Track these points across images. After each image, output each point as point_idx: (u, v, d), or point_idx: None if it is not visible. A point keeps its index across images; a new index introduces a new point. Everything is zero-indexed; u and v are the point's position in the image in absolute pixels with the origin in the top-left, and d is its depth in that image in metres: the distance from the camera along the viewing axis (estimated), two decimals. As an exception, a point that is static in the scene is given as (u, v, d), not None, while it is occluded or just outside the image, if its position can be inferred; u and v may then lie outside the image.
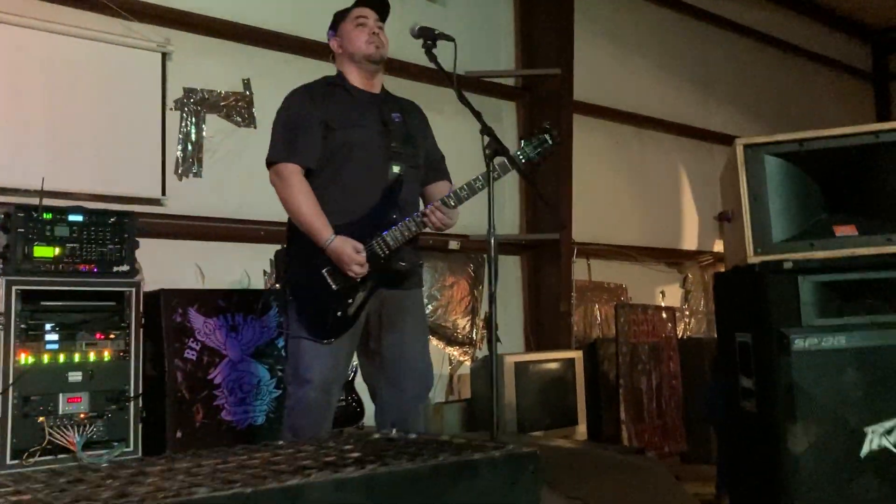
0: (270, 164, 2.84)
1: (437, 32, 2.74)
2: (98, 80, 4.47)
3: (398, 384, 2.85)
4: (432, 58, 2.70)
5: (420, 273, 3.01)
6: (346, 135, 2.82)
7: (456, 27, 6.35)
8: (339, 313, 2.75)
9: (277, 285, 2.98)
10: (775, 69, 9.03)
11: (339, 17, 3.01)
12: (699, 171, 8.02)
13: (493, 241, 2.34)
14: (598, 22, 7.02)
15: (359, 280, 2.75)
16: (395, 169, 2.82)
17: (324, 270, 2.74)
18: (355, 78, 2.94)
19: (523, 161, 2.77)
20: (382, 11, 2.99)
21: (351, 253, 2.70)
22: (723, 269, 3.07)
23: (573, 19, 6.40)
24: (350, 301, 2.76)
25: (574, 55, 6.38)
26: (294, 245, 2.85)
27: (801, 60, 9.36)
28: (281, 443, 1.93)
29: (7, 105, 4.16)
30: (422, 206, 2.88)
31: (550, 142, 2.79)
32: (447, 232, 5.46)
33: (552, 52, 6.34)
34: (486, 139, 2.42)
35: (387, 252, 2.76)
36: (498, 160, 2.54)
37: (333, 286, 2.74)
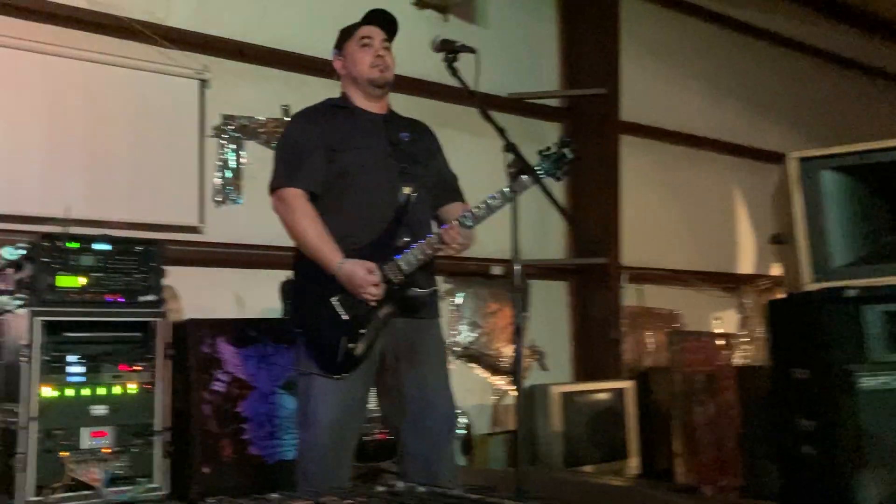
0: (273, 189, 2.73)
1: (458, 45, 2.59)
2: (135, 107, 4.46)
3: (421, 427, 2.65)
4: (453, 72, 2.55)
5: (437, 301, 2.83)
6: (351, 157, 2.67)
7: (498, 48, 6.28)
8: (350, 345, 2.56)
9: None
10: (830, 84, 8.71)
11: (344, 36, 2.88)
12: (754, 191, 7.72)
13: (519, 267, 2.15)
14: (643, 40, 6.83)
15: (372, 307, 2.57)
16: (406, 190, 2.66)
17: (333, 299, 2.57)
18: (360, 99, 2.80)
19: (542, 176, 2.58)
20: (390, 30, 2.85)
21: (364, 274, 2.52)
22: (778, 296, 2.82)
23: (619, 37, 6.23)
24: (363, 332, 2.58)
25: (620, 74, 6.21)
26: (300, 274, 2.72)
27: (857, 74, 9.01)
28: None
29: (44, 134, 4.16)
30: (435, 228, 2.70)
31: (569, 156, 2.58)
32: (490, 257, 5.32)
33: (597, 71, 6.18)
34: (510, 157, 2.24)
35: (401, 278, 2.58)
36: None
37: (344, 316, 2.57)
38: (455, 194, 2.89)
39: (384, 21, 2.84)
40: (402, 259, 2.57)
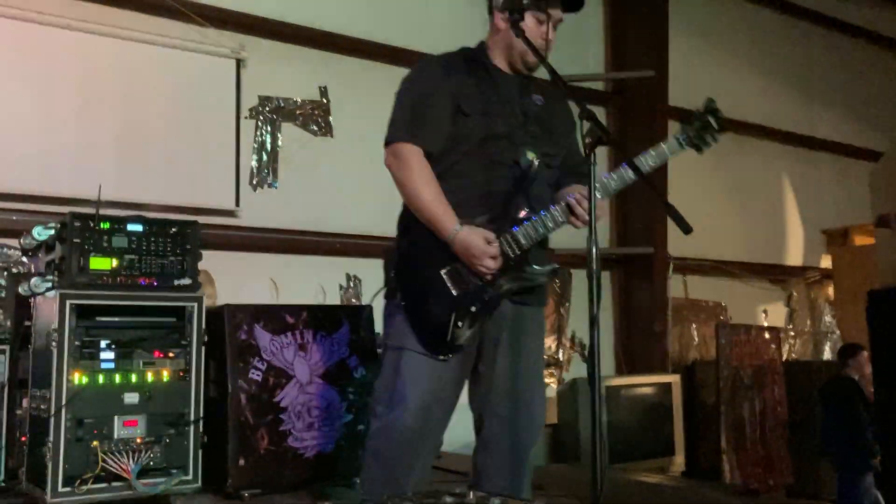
0: (388, 142, 2.44)
1: (525, 2, 2.37)
2: (171, 87, 4.36)
3: (510, 423, 2.43)
4: (519, 32, 2.34)
5: (547, 286, 2.56)
6: (477, 122, 2.39)
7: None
8: (459, 324, 2.30)
9: (384, 289, 2.50)
10: (884, 70, 8.39)
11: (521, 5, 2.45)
12: (804, 181, 7.48)
13: (595, 251, 1.92)
14: (693, 22, 6.60)
15: (485, 283, 2.33)
16: (529, 156, 2.38)
17: (442, 271, 2.33)
18: (501, 62, 2.51)
19: (686, 146, 2.34)
20: (570, 10, 2.50)
21: (482, 244, 2.28)
22: (876, 287, 2.60)
23: (667, 19, 6.02)
24: (473, 310, 2.32)
25: (668, 57, 5.99)
26: (406, 240, 2.44)
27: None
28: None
29: (77, 113, 4.07)
30: (562, 199, 2.39)
31: (716, 125, 2.32)
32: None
33: (644, 54, 5.98)
34: (587, 125, 2.02)
35: (517, 252, 2.33)
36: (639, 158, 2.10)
37: (454, 291, 2.33)
38: (582, 177, 2.52)
39: (569, 3, 2.48)
40: (519, 231, 2.33)
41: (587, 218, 2.21)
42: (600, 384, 1.75)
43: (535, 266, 2.38)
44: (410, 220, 2.42)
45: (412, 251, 2.42)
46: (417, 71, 2.54)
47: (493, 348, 2.44)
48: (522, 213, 2.36)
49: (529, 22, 2.42)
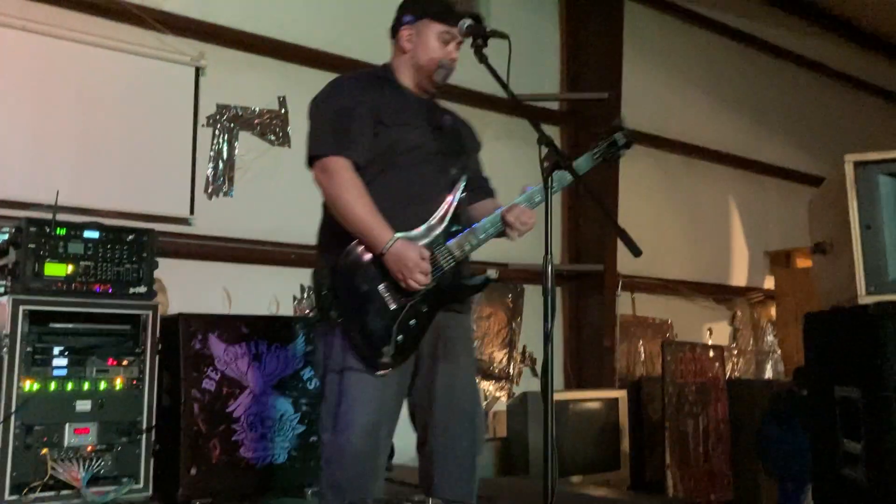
0: (315, 157, 2.42)
1: (489, 30, 2.44)
2: (129, 93, 4.32)
3: (451, 432, 2.45)
4: (482, 58, 2.39)
5: (477, 294, 2.60)
6: (399, 133, 2.44)
7: (499, 48, 6.19)
8: (399, 337, 2.32)
9: (309, 311, 2.53)
10: (829, 98, 8.70)
11: (429, 13, 2.56)
12: (750, 203, 7.69)
13: (550, 269, 1.98)
14: (646, 46, 6.76)
15: (419, 296, 2.36)
16: (453, 171, 2.46)
17: (380, 286, 2.34)
18: (408, 80, 2.58)
19: (600, 160, 2.44)
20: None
21: (416, 258, 2.30)
22: (816, 309, 2.70)
23: (622, 42, 6.16)
24: (412, 322, 2.34)
25: (622, 80, 6.13)
26: (335, 255, 2.40)
27: (856, 90, 9.01)
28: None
29: (34, 116, 4.02)
30: (494, 210, 2.46)
31: (623, 140, 2.42)
32: (485, 260, 5.19)
33: (599, 76, 6.11)
34: (544, 150, 2.09)
35: (451, 264, 2.37)
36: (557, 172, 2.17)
37: (392, 305, 2.34)
38: (488, 192, 2.68)
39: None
40: (454, 243, 2.37)
41: (520, 226, 2.34)
42: (552, 400, 1.81)
43: (468, 278, 2.44)
44: (340, 235, 2.40)
45: (346, 267, 2.38)
46: (331, 88, 2.55)
47: (429, 360, 2.47)
48: (455, 225, 2.40)
49: (429, 35, 2.53)
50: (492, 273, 2.53)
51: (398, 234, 2.34)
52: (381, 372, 2.34)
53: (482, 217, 2.46)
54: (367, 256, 2.36)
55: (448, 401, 2.46)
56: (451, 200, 2.43)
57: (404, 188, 2.43)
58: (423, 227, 2.40)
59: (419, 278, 2.31)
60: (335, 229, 2.42)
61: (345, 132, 2.40)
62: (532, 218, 2.40)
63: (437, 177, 2.46)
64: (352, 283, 2.37)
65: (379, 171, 2.43)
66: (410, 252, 2.31)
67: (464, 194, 2.48)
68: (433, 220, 2.41)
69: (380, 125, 2.43)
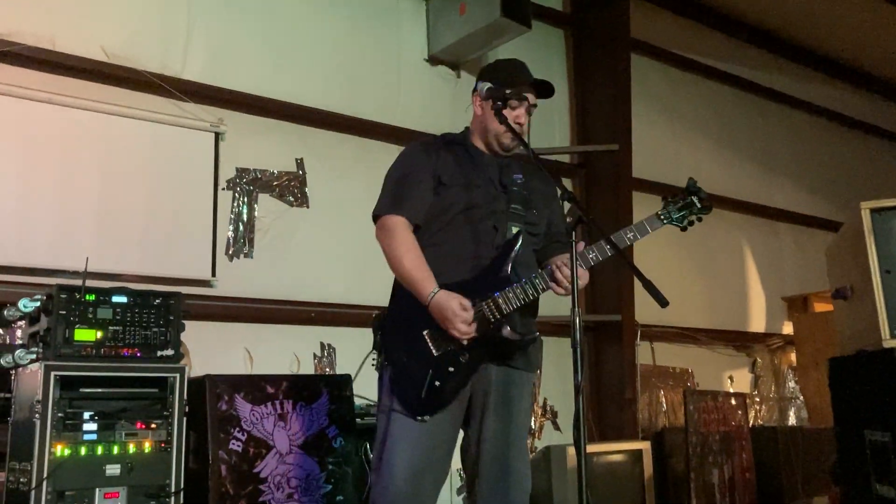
0: (376, 216, 2.61)
1: (508, 92, 2.54)
2: (150, 159, 4.43)
3: (499, 489, 2.47)
4: (502, 120, 2.50)
5: (536, 351, 2.62)
6: (459, 193, 2.56)
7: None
8: (437, 383, 2.37)
9: (374, 355, 2.60)
10: (839, 144, 8.77)
11: (497, 80, 2.63)
12: (764, 249, 7.71)
13: (578, 321, 2.01)
14: (655, 97, 6.88)
15: (464, 345, 2.40)
16: (514, 230, 2.53)
17: (425, 332, 2.42)
18: (479, 143, 2.69)
19: (665, 223, 2.49)
20: (541, 96, 2.68)
21: (456, 308, 2.36)
22: (836, 355, 2.70)
23: (630, 95, 6.26)
24: (451, 370, 2.39)
25: (631, 131, 6.22)
26: (394, 304, 2.57)
27: (864, 134, 9.09)
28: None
29: (60, 185, 4.12)
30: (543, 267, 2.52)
31: (699, 205, 2.49)
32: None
33: (609, 128, 6.20)
34: (567, 206, 2.14)
35: (497, 317, 2.40)
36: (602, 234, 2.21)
37: (434, 351, 2.41)
38: (566, 246, 2.61)
39: (543, 90, 2.66)
40: (500, 296, 2.41)
41: (567, 284, 2.36)
42: (585, 453, 1.81)
43: (515, 332, 2.45)
44: (398, 288, 2.56)
45: (397, 313, 2.54)
46: (401, 155, 2.73)
47: (480, 412, 2.51)
48: (506, 279, 2.45)
49: (508, 109, 2.60)
50: (536, 333, 2.54)
51: (439, 288, 2.42)
52: (420, 417, 2.39)
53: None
54: (417, 305, 2.46)
55: (497, 454, 2.49)
56: (506, 257, 2.49)
57: (459, 244, 2.53)
58: (472, 281, 2.47)
59: (461, 327, 2.38)
60: (397, 282, 2.59)
61: (402, 194, 2.57)
62: (584, 277, 2.44)
63: (495, 233, 2.54)
64: (400, 329, 2.49)
65: (439, 227, 2.56)
66: (451, 302, 2.39)
67: (528, 249, 2.56)
68: (485, 273, 2.48)
69: (440, 186, 2.57)
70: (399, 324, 2.50)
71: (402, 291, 2.53)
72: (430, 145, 2.70)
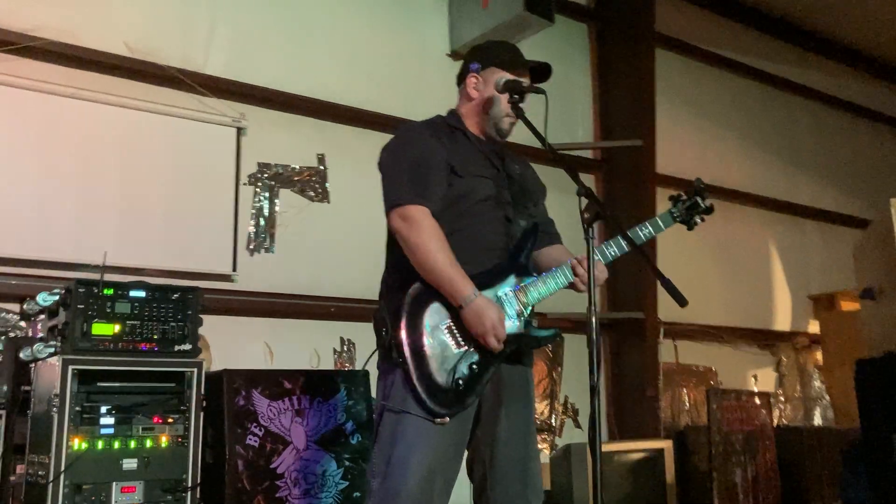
0: (395, 205, 2.39)
1: (525, 85, 2.46)
2: (172, 154, 4.44)
3: (514, 492, 2.38)
4: (519, 112, 2.42)
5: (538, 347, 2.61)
6: (471, 184, 2.43)
7: (533, 99, 6.27)
8: (460, 382, 2.26)
9: (376, 351, 2.44)
10: (866, 139, 8.63)
11: (495, 61, 2.56)
12: (790, 246, 7.60)
13: (594, 320, 1.97)
14: (678, 93, 6.79)
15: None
16: (521, 222, 2.45)
17: (444, 329, 2.30)
18: (474, 128, 2.58)
19: (678, 221, 2.48)
20: (541, 82, 2.58)
21: (496, 321, 2.26)
22: (864, 357, 2.64)
23: (654, 90, 6.19)
24: (473, 367, 2.28)
25: (655, 126, 6.15)
26: (399, 300, 2.36)
27: (892, 129, 8.93)
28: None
29: (81, 179, 4.14)
30: (566, 261, 2.43)
31: (703, 205, 2.47)
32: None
33: (632, 123, 6.13)
34: (584, 202, 2.09)
35: (519, 313, 2.36)
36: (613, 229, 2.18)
37: (455, 347, 2.29)
38: (555, 237, 2.66)
39: (542, 75, 2.56)
40: (521, 292, 2.35)
41: (585, 277, 2.29)
42: (600, 453, 1.78)
43: (535, 329, 2.40)
44: (405, 277, 2.38)
45: (410, 308, 2.35)
46: (404, 136, 2.55)
47: (491, 411, 2.41)
48: (524, 274, 2.38)
49: (500, 85, 2.50)
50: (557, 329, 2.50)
51: (478, 292, 2.31)
52: (440, 420, 2.27)
53: (549, 264, 2.45)
54: (432, 297, 2.33)
55: (510, 454, 2.41)
56: (522, 248, 2.43)
57: (476, 238, 2.42)
58: (491, 276, 2.38)
59: (492, 342, 2.28)
60: (401, 274, 2.40)
61: (422, 181, 2.39)
62: (604, 272, 2.39)
63: (507, 226, 2.46)
64: (414, 326, 2.32)
65: (453, 218, 2.42)
66: (491, 312, 2.28)
67: (531, 242, 2.48)
68: (502, 268, 2.40)
69: (453, 175, 2.43)
70: (412, 318, 2.33)
71: (412, 282, 2.36)
72: (435, 129, 2.54)
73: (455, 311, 2.32)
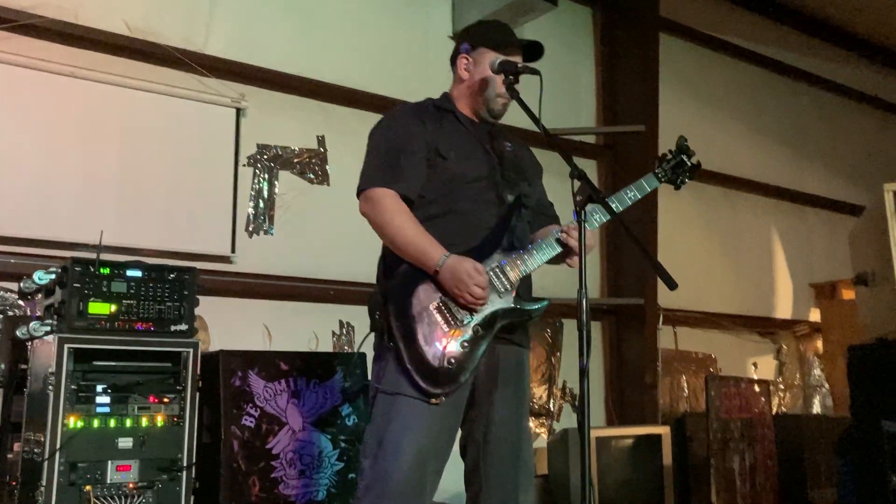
0: (362, 190, 2.41)
1: (520, 66, 2.44)
2: (171, 134, 4.42)
3: (506, 474, 2.37)
4: (514, 94, 2.40)
5: (530, 325, 2.51)
6: (459, 166, 2.41)
7: (536, 83, 6.23)
8: (451, 361, 2.24)
9: (370, 334, 2.44)
10: (871, 127, 8.58)
11: (487, 41, 2.54)
12: (793, 234, 7.57)
13: (584, 302, 1.97)
14: (683, 79, 6.75)
15: (476, 316, 2.28)
16: (509, 197, 2.43)
17: (431, 306, 2.28)
18: (465, 109, 2.56)
19: (663, 181, 2.48)
20: (534, 60, 2.59)
21: (470, 269, 2.24)
22: (859, 343, 2.64)
23: (658, 75, 6.15)
24: (465, 346, 2.26)
25: (658, 112, 6.11)
26: (389, 281, 2.37)
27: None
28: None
29: (79, 158, 4.13)
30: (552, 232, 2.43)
31: (689, 163, 2.47)
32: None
33: (636, 109, 6.10)
34: (577, 184, 2.08)
35: (507, 286, 2.32)
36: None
37: (444, 327, 2.27)
38: (553, 219, 2.64)
39: (534, 54, 2.55)
40: (508, 264, 2.33)
41: (576, 246, 2.26)
42: (590, 435, 1.78)
43: (528, 302, 2.38)
44: (392, 262, 2.39)
45: (398, 290, 2.34)
46: (389, 119, 2.54)
47: (485, 393, 2.40)
48: (510, 247, 2.37)
49: (490, 64, 2.49)
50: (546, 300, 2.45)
51: (448, 253, 2.30)
52: (435, 400, 2.26)
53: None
54: (419, 278, 2.32)
55: (501, 436, 2.40)
56: (507, 225, 2.40)
57: (469, 219, 2.42)
58: (478, 253, 2.36)
59: (476, 291, 2.25)
60: (393, 257, 2.41)
61: (394, 166, 2.38)
62: (592, 239, 2.35)
63: (497, 205, 2.44)
64: (404, 307, 2.31)
65: (443, 201, 2.42)
66: (465, 264, 2.26)
67: (523, 220, 2.47)
68: (490, 244, 2.38)
69: (438, 158, 2.42)
70: (401, 301, 2.32)
71: (400, 266, 2.36)
72: (422, 112, 2.52)
73: (444, 291, 2.31)
